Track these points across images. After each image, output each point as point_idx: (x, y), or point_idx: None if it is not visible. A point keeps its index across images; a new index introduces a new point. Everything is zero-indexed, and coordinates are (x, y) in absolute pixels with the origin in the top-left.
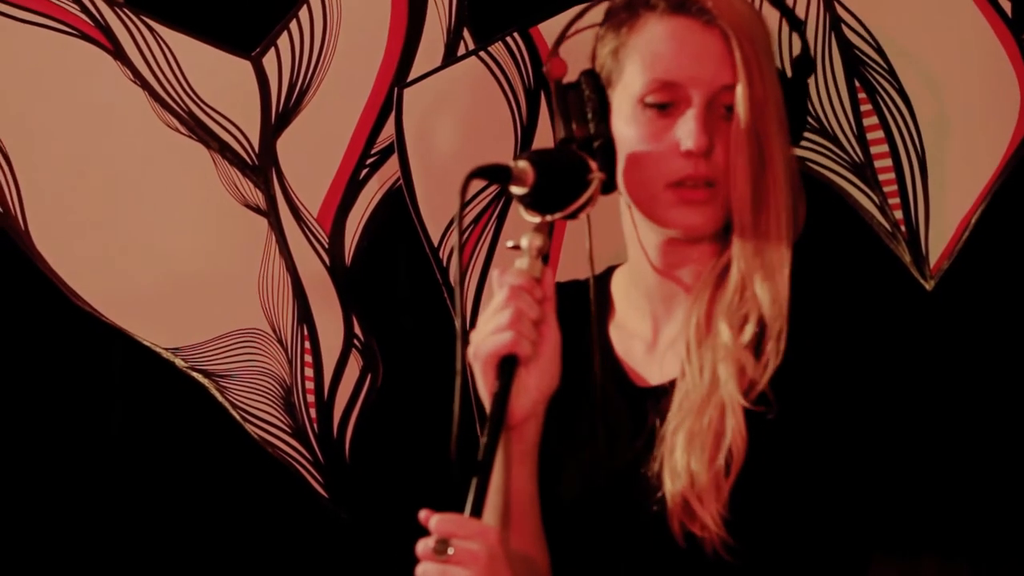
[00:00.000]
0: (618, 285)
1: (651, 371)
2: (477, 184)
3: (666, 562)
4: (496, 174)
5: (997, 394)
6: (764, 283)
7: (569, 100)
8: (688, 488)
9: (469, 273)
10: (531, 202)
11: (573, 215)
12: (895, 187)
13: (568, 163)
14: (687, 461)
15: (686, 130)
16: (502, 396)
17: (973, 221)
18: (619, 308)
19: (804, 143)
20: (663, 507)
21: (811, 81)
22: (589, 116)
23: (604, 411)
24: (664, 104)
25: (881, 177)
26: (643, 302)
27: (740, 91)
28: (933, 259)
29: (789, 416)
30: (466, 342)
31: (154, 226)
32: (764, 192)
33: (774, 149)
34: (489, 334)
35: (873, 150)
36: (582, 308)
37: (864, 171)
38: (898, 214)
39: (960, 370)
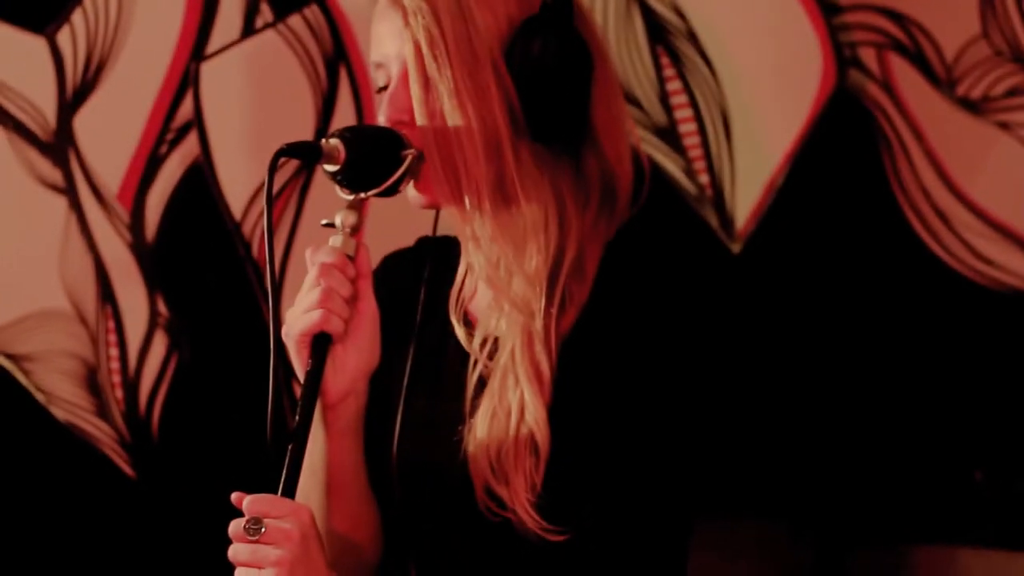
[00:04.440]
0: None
1: (479, 329)
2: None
3: (479, 533)
4: (306, 152)
5: (804, 357)
6: (475, 254)
7: None
8: (489, 471)
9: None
10: (344, 179)
11: (387, 192)
12: (700, 151)
13: (380, 140)
14: (487, 443)
15: (383, 106)
16: (314, 375)
17: (778, 183)
18: (462, 267)
19: None
20: (470, 486)
21: (613, 46)
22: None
23: (440, 372)
24: (383, 86)
25: (686, 141)
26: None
27: (407, 64)
28: (739, 222)
29: (597, 386)
30: (277, 320)
31: None
32: (455, 163)
33: (463, 117)
34: (300, 313)
35: (677, 114)
36: (439, 265)
37: (668, 135)
38: (704, 178)
39: (767, 333)
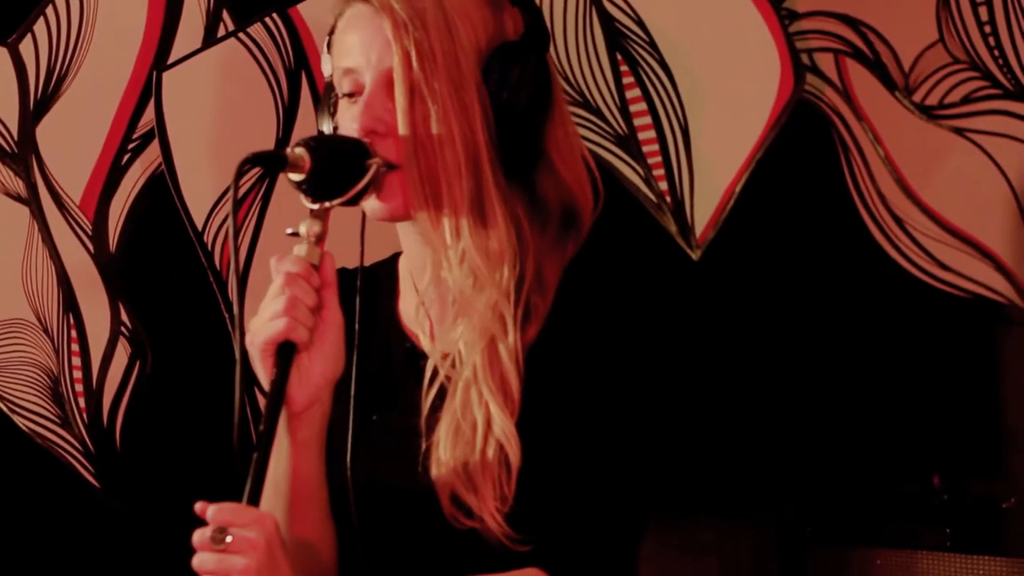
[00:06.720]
0: (402, 264)
1: (435, 346)
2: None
3: (445, 545)
4: (271, 161)
5: (764, 361)
6: (448, 267)
7: (325, 98)
8: (458, 482)
9: (236, 256)
10: (308, 189)
11: (352, 201)
12: (659, 158)
13: (345, 149)
14: (451, 455)
15: (354, 114)
16: (279, 383)
17: (737, 190)
18: (403, 286)
19: None
20: (434, 496)
21: (573, 55)
22: (329, 111)
23: (391, 388)
24: (350, 92)
25: (645, 149)
26: (418, 277)
27: (395, 74)
28: (699, 229)
29: (562, 398)
30: (242, 329)
31: None
32: (435, 176)
33: (447, 131)
34: (265, 322)
35: (636, 122)
36: (381, 287)
37: (628, 143)
38: (663, 185)
39: (727, 338)
